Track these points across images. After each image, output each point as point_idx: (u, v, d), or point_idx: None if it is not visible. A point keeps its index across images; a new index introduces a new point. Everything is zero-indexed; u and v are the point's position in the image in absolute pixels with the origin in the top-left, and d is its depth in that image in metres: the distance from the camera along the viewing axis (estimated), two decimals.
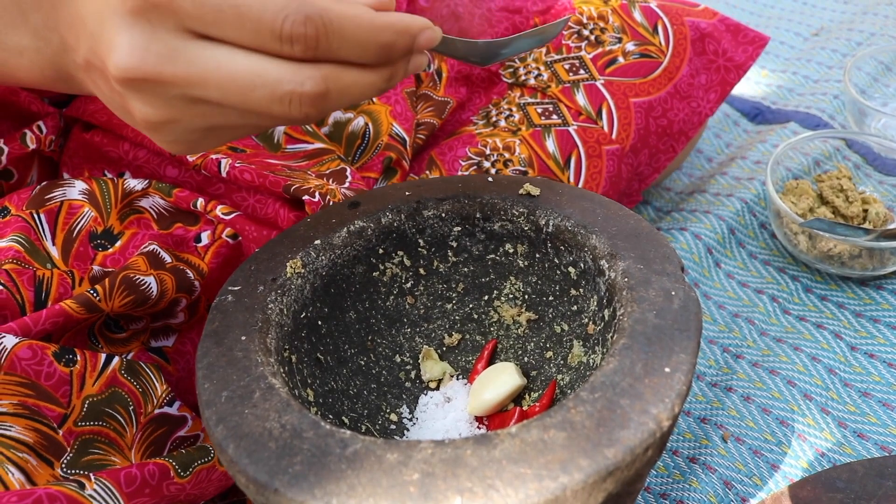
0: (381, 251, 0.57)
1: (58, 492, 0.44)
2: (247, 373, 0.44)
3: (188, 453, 0.51)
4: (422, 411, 0.56)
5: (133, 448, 0.51)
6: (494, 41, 0.49)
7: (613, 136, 0.72)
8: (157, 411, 0.53)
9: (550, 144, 0.70)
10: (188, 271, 0.57)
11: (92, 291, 0.52)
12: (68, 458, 0.48)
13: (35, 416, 0.48)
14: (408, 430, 0.55)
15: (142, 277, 0.54)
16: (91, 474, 0.46)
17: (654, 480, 0.62)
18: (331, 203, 0.58)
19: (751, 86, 1.06)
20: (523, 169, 0.69)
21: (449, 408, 0.55)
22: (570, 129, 0.71)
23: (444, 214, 0.56)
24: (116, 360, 0.52)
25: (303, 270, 0.52)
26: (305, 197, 0.58)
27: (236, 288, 0.51)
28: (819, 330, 0.73)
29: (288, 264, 0.52)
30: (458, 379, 0.58)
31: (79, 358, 0.50)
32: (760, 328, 0.73)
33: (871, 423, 0.64)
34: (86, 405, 0.50)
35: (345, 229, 0.55)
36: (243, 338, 0.47)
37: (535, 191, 0.55)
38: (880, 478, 0.55)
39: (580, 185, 0.70)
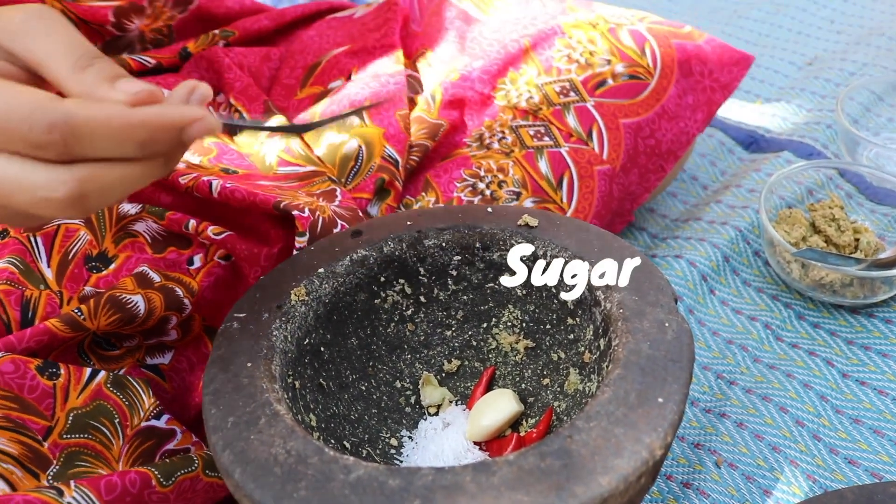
0: (382, 279, 0.58)
1: (35, 498, 0.45)
2: (252, 399, 0.45)
3: (171, 462, 0.52)
4: (421, 436, 0.57)
5: (120, 461, 0.52)
6: (293, 125, 0.50)
7: (604, 156, 0.74)
8: (143, 424, 0.53)
9: (543, 166, 0.72)
10: (177, 289, 0.58)
11: (77, 311, 0.53)
12: (55, 470, 0.49)
13: (19, 429, 0.49)
14: (407, 454, 0.56)
15: (128, 296, 0.55)
16: (71, 481, 0.47)
17: None
18: (320, 219, 0.60)
19: (746, 114, 1.08)
20: (517, 190, 0.70)
21: (448, 433, 0.57)
22: (562, 150, 0.73)
23: (444, 244, 0.58)
24: (102, 373, 0.53)
25: (306, 298, 0.54)
26: (295, 212, 0.59)
27: (242, 315, 0.52)
28: (811, 357, 0.74)
29: (292, 292, 0.53)
30: (457, 404, 0.59)
31: (62, 371, 0.51)
32: (754, 355, 0.75)
33: (862, 449, 0.66)
34: (70, 418, 0.51)
35: (347, 258, 0.56)
36: (249, 364, 0.48)
37: (534, 222, 0.56)
38: None
39: (573, 205, 0.72)
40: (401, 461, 0.55)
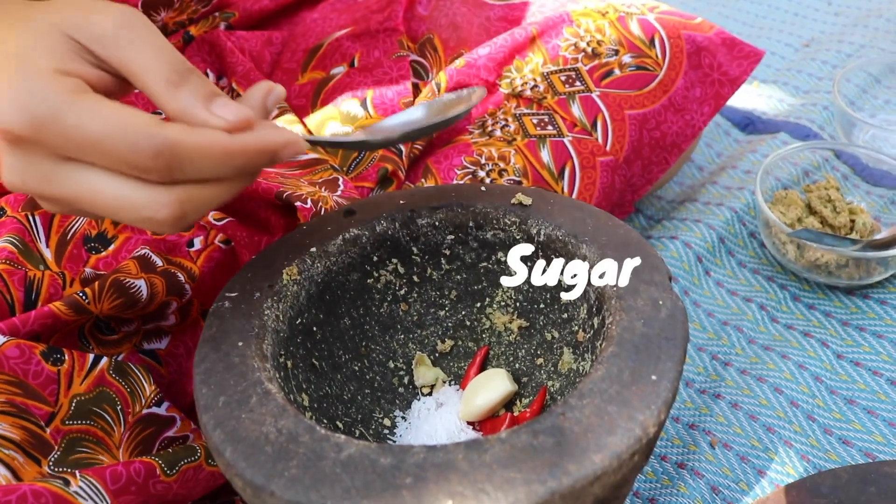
0: (375, 259, 0.58)
1: (43, 488, 0.44)
2: (244, 378, 0.45)
3: (175, 452, 0.52)
4: (414, 416, 0.57)
5: (121, 447, 0.52)
6: (380, 140, 0.50)
7: (608, 147, 0.73)
8: (144, 411, 0.53)
9: (545, 155, 0.71)
10: (179, 274, 0.58)
11: (81, 294, 0.53)
12: (56, 456, 0.49)
13: (22, 414, 0.48)
14: (400, 434, 0.56)
15: (132, 280, 0.55)
16: (77, 471, 0.47)
17: (642, 485, 0.63)
18: (322, 210, 0.59)
19: (742, 96, 1.08)
20: (518, 179, 0.70)
21: (441, 413, 0.56)
22: (565, 140, 0.72)
23: (437, 223, 0.57)
24: (105, 360, 0.53)
25: (298, 277, 0.53)
26: (297, 203, 0.59)
27: (233, 294, 0.52)
28: (806, 338, 0.74)
29: (284, 271, 0.53)
30: (450, 385, 0.59)
31: (66, 357, 0.51)
32: (749, 336, 0.75)
33: (856, 430, 0.66)
34: (73, 404, 0.50)
35: (340, 237, 0.56)
36: (240, 343, 0.48)
37: (527, 200, 0.56)
38: (864, 484, 0.56)
39: (574, 196, 0.71)
40: (394, 441, 0.55)
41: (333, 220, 0.57)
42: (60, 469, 0.48)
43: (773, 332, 0.75)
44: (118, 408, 0.52)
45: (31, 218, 0.58)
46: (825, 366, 0.71)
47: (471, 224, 0.57)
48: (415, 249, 0.58)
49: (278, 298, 0.52)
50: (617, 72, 0.75)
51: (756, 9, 1.29)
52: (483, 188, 0.58)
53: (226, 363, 0.46)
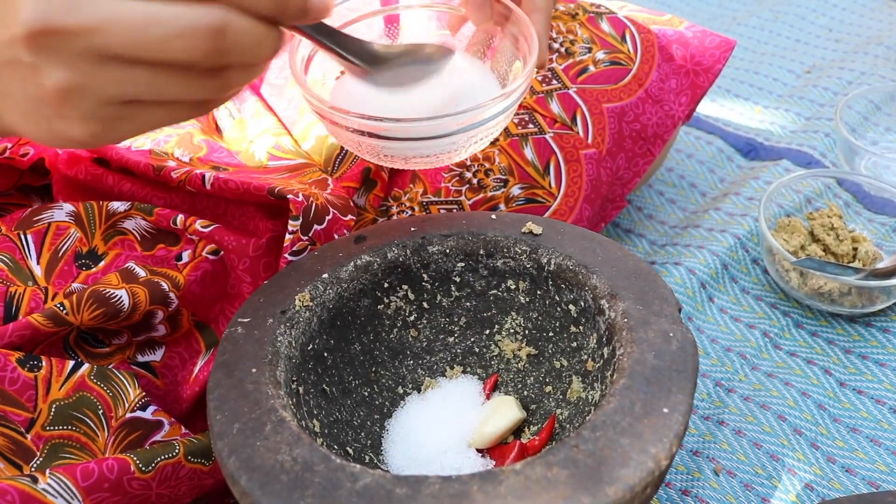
0: (386, 285, 0.58)
1: (9, 486, 0.44)
2: (258, 405, 0.45)
3: (151, 449, 0.51)
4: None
5: (106, 452, 0.52)
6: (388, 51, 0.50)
7: (589, 140, 0.75)
8: (128, 415, 0.53)
9: (529, 152, 0.73)
10: (163, 283, 0.58)
11: (59, 305, 0.53)
12: (38, 462, 0.49)
13: (1, 421, 0.49)
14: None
15: (112, 291, 0.55)
16: (46, 469, 0.47)
17: None
18: (313, 205, 0.60)
19: (745, 122, 1.09)
20: (504, 177, 0.71)
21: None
22: (547, 136, 0.74)
23: (448, 250, 0.58)
24: (86, 366, 0.53)
25: (311, 303, 0.54)
26: (290, 196, 0.59)
27: (246, 320, 0.52)
28: (809, 365, 0.74)
29: (297, 297, 0.53)
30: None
31: (44, 364, 0.51)
32: (752, 362, 0.75)
33: (860, 458, 0.66)
34: (53, 409, 0.51)
35: (351, 263, 0.56)
36: (254, 370, 0.48)
37: (538, 229, 0.57)
38: None
39: (562, 189, 0.72)
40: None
41: (345, 246, 0.58)
42: None
43: (777, 358, 0.75)
44: (100, 412, 0.52)
45: (23, 236, 0.59)
46: (828, 393, 0.72)
47: (481, 252, 0.58)
48: (425, 276, 0.59)
49: (291, 324, 0.52)
50: (591, 68, 0.77)
51: (758, 35, 1.30)
52: (493, 216, 0.59)
53: (239, 390, 0.47)
